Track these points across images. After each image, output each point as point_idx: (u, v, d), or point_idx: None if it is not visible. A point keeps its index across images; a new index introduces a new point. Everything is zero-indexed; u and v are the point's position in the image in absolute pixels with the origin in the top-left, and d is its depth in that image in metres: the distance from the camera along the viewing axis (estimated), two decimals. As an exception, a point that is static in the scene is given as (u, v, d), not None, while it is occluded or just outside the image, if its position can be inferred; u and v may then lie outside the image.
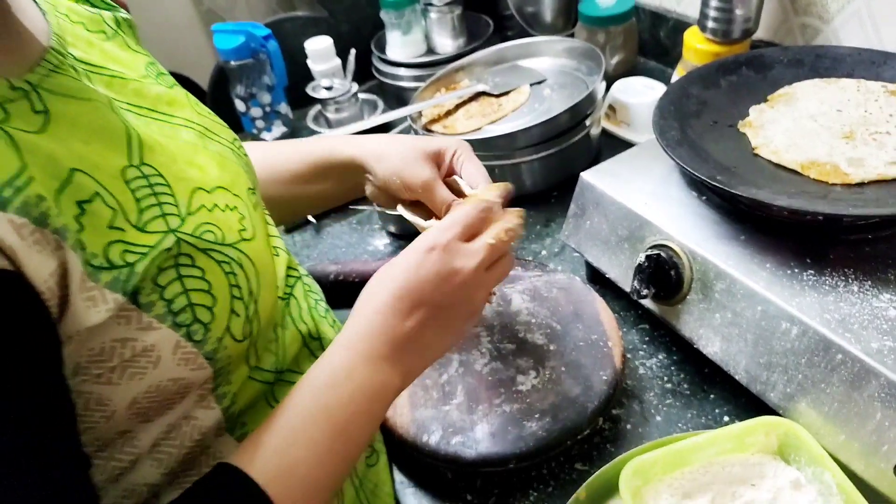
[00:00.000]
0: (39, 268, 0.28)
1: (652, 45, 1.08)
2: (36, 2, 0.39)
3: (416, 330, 0.43)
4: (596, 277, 0.72)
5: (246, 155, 0.51)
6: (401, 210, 0.57)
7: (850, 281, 0.52)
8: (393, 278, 0.44)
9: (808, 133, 0.62)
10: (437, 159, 0.58)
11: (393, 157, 0.57)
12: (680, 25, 1.00)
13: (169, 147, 0.39)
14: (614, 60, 1.05)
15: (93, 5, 0.46)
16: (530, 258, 0.78)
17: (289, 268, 0.51)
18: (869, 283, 0.51)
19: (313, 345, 0.50)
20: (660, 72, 1.04)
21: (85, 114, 0.34)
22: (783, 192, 0.55)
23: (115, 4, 0.48)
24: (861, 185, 0.55)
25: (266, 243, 0.45)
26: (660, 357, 0.64)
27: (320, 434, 0.39)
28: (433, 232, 0.46)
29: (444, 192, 0.55)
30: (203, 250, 0.36)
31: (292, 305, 0.49)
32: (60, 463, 0.29)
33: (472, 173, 0.56)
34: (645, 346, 0.66)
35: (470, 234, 0.47)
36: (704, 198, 0.62)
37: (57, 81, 0.34)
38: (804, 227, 0.56)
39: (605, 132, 0.94)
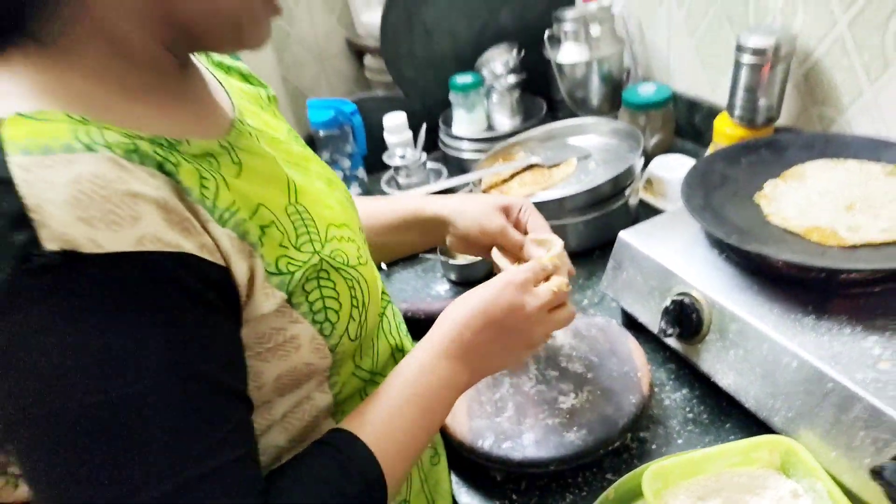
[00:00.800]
0: (238, 268, 0.42)
1: (687, 128, 1.22)
2: (222, 84, 0.56)
3: (484, 343, 0.55)
4: (630, 323, 0.83)
5: (351, 198, 0.66)
6: (494, 253, 0.68)
7: (843, 325, 0.61)
8: (472, 300, 0.56)
9: (814, 204, 0.73)
10: (507, 211, 0.71)
11: (472, 211, 0.70)
12: (712, 111, 1.13)
13: (310, 191, 0.53)
14: (653, 141, 1.18)
15: (251, 84, 0.62)
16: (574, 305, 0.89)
17: (382, 292, 0.64)
18: (860, 328, 0.61)
19: (398, 355, 0.62)
20: (694, 151, 1.17)
21: (262, 165, 0.49)
22: (787, 250, 0.67)
23: (265, 84, 0.65)
24: (854, 247, 0.66)
25: (374, 269, 0.58)
26: (683, 391, 0.74)
27: (411, 411, 0.50)
28: (511, 272, 0.58)
29: (516, 236, 0.68)
30: (335, 268, 0.49)
31: (384, 322, 0.62)
32: (238, 403, 0.42)
33: (537, 224, 0.70)
34: (671, 381, 0.76)
35: (537, 280, 0.59)
36: (724, 255, 0.73)
37: (243, 142, 0.49)
38: (806, 280, 0.67)
39: (642, 202, 1.07)
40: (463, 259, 0.99)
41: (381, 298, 0.63)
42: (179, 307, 0.36)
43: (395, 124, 1.22)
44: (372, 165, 1.30)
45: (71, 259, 0.32)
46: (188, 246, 0.37)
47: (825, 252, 0.66)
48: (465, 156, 1.26)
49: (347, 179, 1.27)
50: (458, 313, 0.56)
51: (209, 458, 0.36)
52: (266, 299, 0.44)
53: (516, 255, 0.68)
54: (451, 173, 1.24)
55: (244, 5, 0.43)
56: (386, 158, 1.21)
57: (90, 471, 0.33)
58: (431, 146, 1.32)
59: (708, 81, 1.17)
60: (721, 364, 0.68)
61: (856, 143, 0.80)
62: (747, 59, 0.96)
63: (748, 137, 0.98)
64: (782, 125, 1.03)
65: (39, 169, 0.33)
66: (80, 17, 0.39)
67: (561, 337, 0.77)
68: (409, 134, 1.23)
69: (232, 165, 0.46)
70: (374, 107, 1.32)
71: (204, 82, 0.51)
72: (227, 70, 0.59)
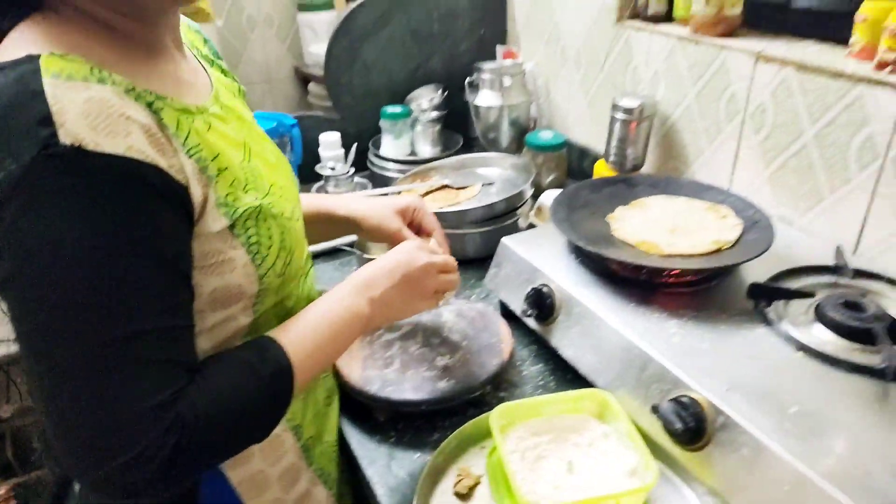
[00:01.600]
0: (195, 190, 0.55)
1: (578, 169, 1.44)
2: (207, 71, 0.70)
3: (387, 286, 0.70)
4: (506, 313, 1.00)
5: (296, 184, 0.80)
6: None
7: (654, 312, 0.81)
8: (383, 257, 0.73)
9: (648, 226, 0.94)
10: (403, 213, 0.88)
11: (374, 215, 0.86)
12: (597, 157, 1.36)
13: (263, 158, 0.68)
14: (549, 178, 1.40)
15: (228, 77, 0.77)
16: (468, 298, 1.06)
17: (306, 257, 0.79)
18: (665, 314, 0.80)
19: None
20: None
21: (226, 129, 0.62)
22: (621, 254, 0.87)
23: (237, 80, 0.79)
24: (670, 256, 0.87)
25: (302, 228, 0.73)
26: (539, 366, 0.92)
27: (321, 328, 0.64)
28: (413, 239, 0.75)
29: (410, 235, 0.84)
30: (272, 215, 0.63)
31: (306, 281, 0.76)
32: (189, 285, 0.55)
33: (429, 223, 0.87)
34: (531, 357, 0.93)
35: (432, 250, 0.76)
36: (578, 259, 0.93)
37: (214, 111, 0.63)
38: (632, 279, 0.86)
39: (532, 225, 1.27)
40: (376, 254, 1.15)
41: (305, 262, 0.77)
42: (151, 202, 0.50)
43: (329, 141, 1.38)
44: (305, 176, 1.44)
45: (78, 152, 0.46)
46: (162, 162, 0.51)
47: (647, 258, 0.86)
48: (389, 174, 1.44)
49: (281, 185, 1.41)
50: (372, 264, 0.72)
51: (166, 316, 0.50)
52: (213, 222, 0.57)
53: None
54: (375, 188, 1.41)
55: None
56: (318, 169, 1.37)
57: (71, 309, 0.47)
58: (361, 166, 1.48)
59: (595, 133, 1.40)
60: (566, 340, 0.86)
61: (688, 185, 1.03)
62: (620, 116, 1.19)
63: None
64: (646, 172, 1.26)
65: (64, 88, 0.47)
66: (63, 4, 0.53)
67: (445, 314, 0.93)
68: (342, 151, 1.40)
69: (203, 123, 0.60)
70: (312, 124, 1.48)
71: (189, 65, 0.66)
72: (212, 63, 0.74)
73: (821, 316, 0.76)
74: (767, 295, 0.81)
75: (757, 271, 0.86)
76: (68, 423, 0.48)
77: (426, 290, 0.75)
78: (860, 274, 0.86)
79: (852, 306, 0.75)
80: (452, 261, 0.78)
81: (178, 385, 0.52)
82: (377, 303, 0.70)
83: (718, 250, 0.87)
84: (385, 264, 0.72)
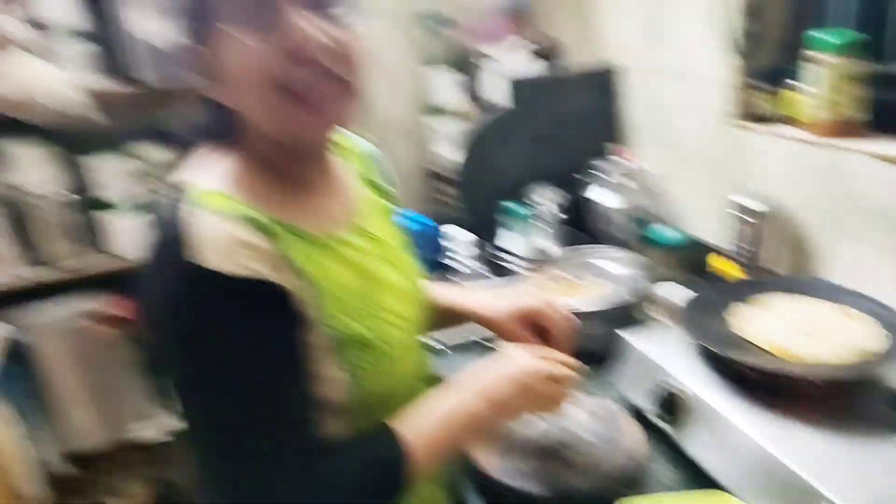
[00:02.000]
0: (305, 305, 0.64)
1: (698, 266, 1.46)
2: (357, 190, 0.81)
3: (506, 393, 0.73)
4: (632, 410, 1.03)
5: (422, 292, 0.87)
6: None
7: (786, 417, 0.81)
8: (496, 361, 0.77)
9: (777, 328, 0.95)
10: (530, 315, 0.91)
11: (493, 313, 0.89)
12: (718, 254, 1.37)
13: (387, 283, 0.76)
14: (670, 274, 1.42)
15: (383, 197, 0.88)
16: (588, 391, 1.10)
17: (423, 379, 0.83)
18: (799, 420, 0.80)
19: None
20: (698, 284, 1.40)
21: (352, 255, 0.71)
22: (757, 360, 0.88)
23: (396, 198, 0.90)
24: (810, 364, 0.86)
25: (414, 356, 0.79)
26: (665, 465, 0.93)
27: (441, 428, 0.70)
28: (531, 347, 0.80)
29: (528, 339, 0.88)
30: (377, 344, 0.70)
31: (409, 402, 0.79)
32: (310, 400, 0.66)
33: (552, 323, 0.90)
34: (658, 456, 0.95)
35: (552, 357, 0.79)
36: (704, 358, 0.95)
37: (345, 236, 0.72)
38: (763, 383, 0.87)
39: (653, 321, 1.29)
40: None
41: (410, 388, 0.78)
42: (269, 310, 0.61)
43: (455, 235, 1.50)
44: (432, 267, 1.57)
45: (208, 272, 0.58)
46: (276, 277, 0.61)
47: (788, 365, 0.87)
48: (510, 267, 1.53)
49: (411, 277, 1.54)
50: (492, 365, 0.77)
51: (299, 404, 0.63)
52: (318, 338, 0.65)
53: None
54: (497, 280, 1.50)
55: (263, 104, 0.62)
56: (444, 261, 1.49)
57: (224, 415, 0.60)
58: (484, 258, 1.59)
59: (715, 230, 1.43)
60: (693, 440, 0.87)
61: (816, 285, 1.03)
62: (741, 215, 1.21)
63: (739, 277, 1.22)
64: (771, 271, 1.26)
65: (209, 221, 0.60)
66: (246, 139, 0.68)
67: (574, 411, 0.98)
68: (467, 245, 1.51)
69: (328, 250, 0.69)
70: (440, 219, 1.61)
71: (334, 192, 0.75)
72: (372, 185, 0.86)
73: (974, 430, 0.74)
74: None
75: (899, 379, 0.84)
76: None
77: (543, 398, 0.77)
78: None
79: None
80: (569, 371, 0.79)
81: (307, 468, 0.63)
82: (496, 407, 0.73)
83: (862, 360, 0.86)
84: (505, 370, 0.75)
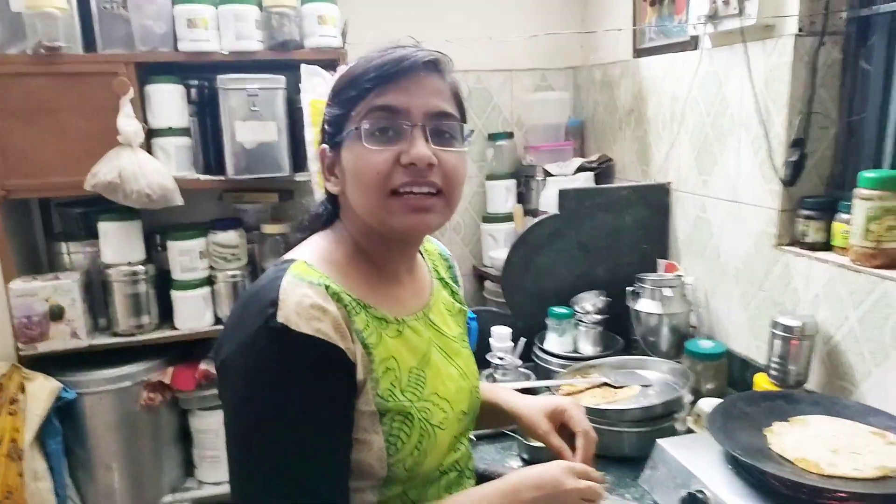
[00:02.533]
0: (360, 373, 0.72)
1: (738, 379, 1.46)
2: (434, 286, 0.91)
3: (532, 499, 0.76)
4: (661, 516, 1.03)
5: (476, 391, 0.93)
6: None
7: (812, 530, 0.82)
8: (533, 468, 0.81)
9: (808, 443, 0.96)
10: (553, 414, 0.95)
11: (528, 415, 0.94)
12: (757, 369, 1.38)
13: (439, 370, 0.83)
14: (709, 386, 1.43)
15: (452, 296, 0.97)
16: (622, 496, 1.11)
17: (457, 462, 0.88)
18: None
19: None
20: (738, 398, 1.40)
21: (413, 338, 0.80)
22: (778, 469, 0.89)
23: (464, 303, 0.99)
24: (831, 477, 0.87)
25: (448, 438, 0.82)
26: (694, 574, 0.92)
27: None
28: (567, 460, 0.84)
29: (555, 441, 0.91)
30: (419, 418, 0.76)
31: (438, 486, 0.83)
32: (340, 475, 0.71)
33: (576, 423, 0.93)
34: (685, 565, 0.94)
35: (583, 472, 0.82)
36: (734, 469, 0.96)
37: (412, 323, 0.82)
38: (788, 496, 0.87)
39: (689, 430, 1.30)
40: (536, 442, 1.25)
41: (444, 471, 0.84)
42: (330, 370, 0.69)
43: (500, 333, 1.57)
44: (478, 362, 1.62)
45: (284, 328, 0.67)
46: (341, 344, 0.69)
47: (806, 476, 0.88)
48: (552, 368, 1.57)
49: (455, 369, 1.60)
50: (524, 473, 0.81)
51: (337, 465, 0.68)
52: (365, 405, 0.73)
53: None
54: (538, 379, 1.53)
55: (377, 201, 0.74)
56: (489, 357, 1.54)
57: (265, 472, 0.66)
58: (526, 357, 1.63)
59: (755, 346, 1.44)
60: (721, 549, 0.87)
61: (853, 407, 1.04)
62: (780, 332, 1.24)
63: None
64: (810, 388, 1.27)
65: (294, 285, 0.70)
66: (344, 229, 0.81)
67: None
68: (511, 344, 1.57)
69: (393, 331, 0.78)
70: (487, 318, 1.68)
71: (415, 285, 0.87)
72: (444, 284, 0.95)
73: None
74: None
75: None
76: None
77: None
78: None
79: None
80: (598, 488, 0.81)
81: None
82: None
83: (885, 476, 0.86)
84: (536, 480, 0.78)
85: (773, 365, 1.26)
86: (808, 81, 1.30)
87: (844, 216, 1.23)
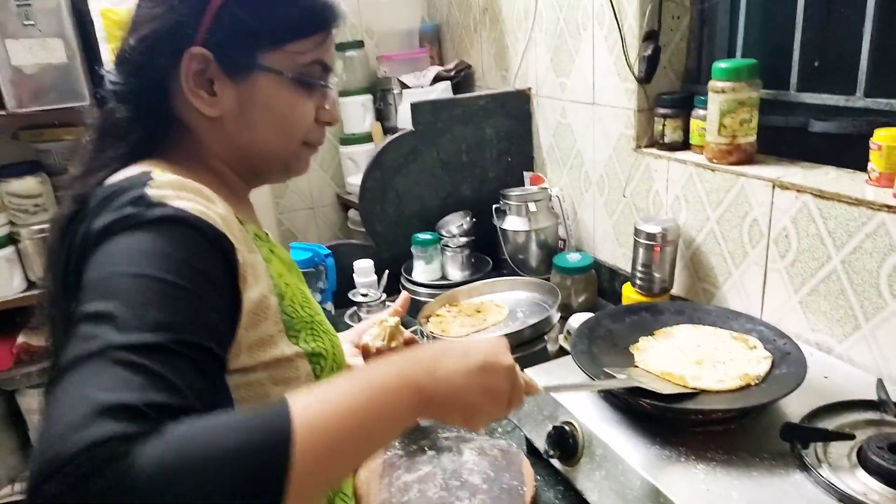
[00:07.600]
0: (253, 290, 0.61)
1: (608, 290, 1.43)
2: None
3: (455, 369, 0.56)
4: (532, 450, 0.97)
5: None
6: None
7: (680, 453, 0.77)
8: (454, 341, 0.75)
9: (673, 357, 0.91)
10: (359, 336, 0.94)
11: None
12: (626, 278, 1.35)
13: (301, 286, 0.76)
14: (580, 300, 1.39)
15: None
16: (486, 431, 1.04)
17: None
18: (693, 456, 0.76)
19: None
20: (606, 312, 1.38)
21: (283, 256, 0.73)
22: (644, 388, 0.84)
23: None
24: (695, 392, 0.83)
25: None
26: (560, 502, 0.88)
27: (355, 395, 0.49)
28: (498, 337, 0.68)
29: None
30: (318, 328, 0.71)
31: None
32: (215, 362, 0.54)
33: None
34: (557, 499, 0.89)
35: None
36: (602, 394, 0.90)
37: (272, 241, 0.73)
38: (656, 417, 0.83)
39: (562, 349, 1.25)
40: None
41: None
42: (215, 251, 0.57)
43: (362, 268, 1.43)
44: (340, 301, 1.49)
45: (160, 204, 0.55)
46: (231, 238, 0.59)
47: (673, 402, 0.83)
48: (421, 298, 1.46)
49: (316, 312, 1.46)
50: (446, 341, 0.72)
51: (196, 335, 0.50)
52: (274, 325, 0.65)
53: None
54: (408, 313, 1.43)
55: (291, 148, 0.72)
56: (351, 295, 1.41)
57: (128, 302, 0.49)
58: (394, 290, 1.52)
59: (622, 254, 1.41)
60: (590, 482, 0.82)
61: (715, 312, 1.01)
62: (643, 240, 1.19)
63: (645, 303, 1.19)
64: (676, 294, 1.25)
65: (165, 178, 0.60)
66: (196, 153, 0.69)
67: (466, 453, 0.91)
68: (374, 277, 1.44)
69: (267, 250, 0.71)
70: (347, 252, 1.54)
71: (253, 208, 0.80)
72: None
73: (864, 461, 0.71)
74: (803, 436, 0.76)
75: (792, 406, 0.82)
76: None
77: (499, 394, 0.60)
78: (905, 410, 0.80)
79: (897, 450, 0.70)
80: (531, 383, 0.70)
81: (151, 399, 0.43)
82: (439, 382, 0.55)
83: (747, 385, 0.83)
84: (463, 346, 0.60)
85: (637, 274, 1.22)
86: (661, -35, 1.20)
87: (701, 112, 1.17)
